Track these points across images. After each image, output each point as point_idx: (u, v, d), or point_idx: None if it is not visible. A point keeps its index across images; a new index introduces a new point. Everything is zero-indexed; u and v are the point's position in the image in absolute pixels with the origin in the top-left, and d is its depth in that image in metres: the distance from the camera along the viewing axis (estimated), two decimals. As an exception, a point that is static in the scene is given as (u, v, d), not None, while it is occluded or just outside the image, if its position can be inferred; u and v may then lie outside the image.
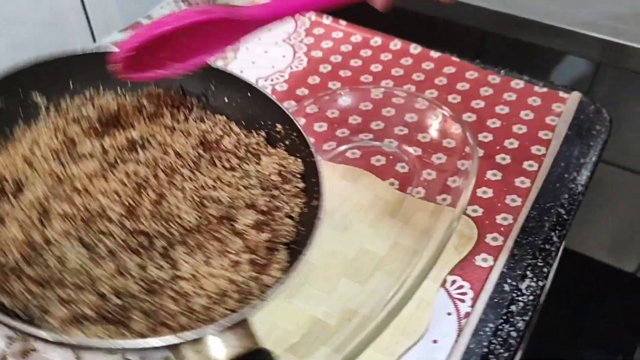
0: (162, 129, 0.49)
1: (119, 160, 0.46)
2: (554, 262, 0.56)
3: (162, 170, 0.46)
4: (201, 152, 0.48)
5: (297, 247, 0.44)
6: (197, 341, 0.36)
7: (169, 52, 0.43)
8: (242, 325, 0.37)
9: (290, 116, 0.49)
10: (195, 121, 0.50)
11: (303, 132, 0.48)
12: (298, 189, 0.48)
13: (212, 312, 0.39)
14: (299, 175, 0.49)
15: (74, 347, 0.35)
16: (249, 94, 0.51)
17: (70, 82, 0.50)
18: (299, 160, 0.49)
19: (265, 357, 0.37)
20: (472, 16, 0.85)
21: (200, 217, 0.44)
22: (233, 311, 0.39)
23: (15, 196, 0.43)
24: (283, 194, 0.47)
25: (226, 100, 0.52)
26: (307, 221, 0.45)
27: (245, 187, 0.47)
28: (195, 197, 0.44)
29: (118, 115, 0.50)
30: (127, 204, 0.42)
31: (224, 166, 0.48)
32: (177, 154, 0.47)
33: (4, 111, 0.47)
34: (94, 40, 0.79)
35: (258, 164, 0.49)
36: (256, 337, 0.38)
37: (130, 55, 0.41)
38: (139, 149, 0.47)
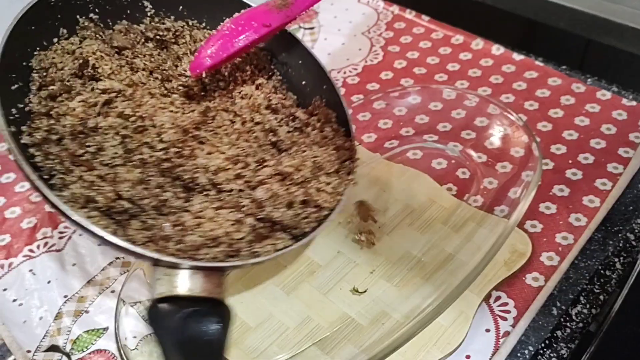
0: (242, 85, 0.50)
1: (202, 100, 0.47)
2: (616, 289, 0.52)
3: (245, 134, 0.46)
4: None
5: (299, 238, 0.43)
6: (172, 268, 0.38)
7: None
8: (216, 275, 0.39)
9: (350, 122, 0.49)
10: (270, 93, 0.50)
11: (353, 138, 0.48)
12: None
13: (198, 251, 0.40)
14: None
15: (72, 221, 0.37)
16: (324, 87, 0.51)
17: (181, 7, 0.52)
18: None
19: (220, 310, 0.38)
20: (575, 22, 0.80)
21: (240, 188, 0.44)
22: (214, 258, 0.40)
23: (92, 79, 0.45)
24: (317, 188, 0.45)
25: (303, 83, 0.52)
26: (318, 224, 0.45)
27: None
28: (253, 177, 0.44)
29: None
30: (183, 148, 0.43)
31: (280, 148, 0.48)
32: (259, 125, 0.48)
33: (114, 2, 0.49)
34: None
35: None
36: (224, 291, 0.39)
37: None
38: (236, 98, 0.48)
